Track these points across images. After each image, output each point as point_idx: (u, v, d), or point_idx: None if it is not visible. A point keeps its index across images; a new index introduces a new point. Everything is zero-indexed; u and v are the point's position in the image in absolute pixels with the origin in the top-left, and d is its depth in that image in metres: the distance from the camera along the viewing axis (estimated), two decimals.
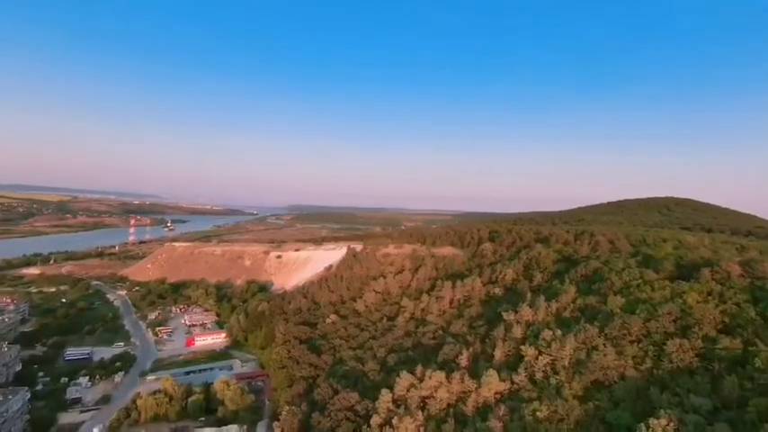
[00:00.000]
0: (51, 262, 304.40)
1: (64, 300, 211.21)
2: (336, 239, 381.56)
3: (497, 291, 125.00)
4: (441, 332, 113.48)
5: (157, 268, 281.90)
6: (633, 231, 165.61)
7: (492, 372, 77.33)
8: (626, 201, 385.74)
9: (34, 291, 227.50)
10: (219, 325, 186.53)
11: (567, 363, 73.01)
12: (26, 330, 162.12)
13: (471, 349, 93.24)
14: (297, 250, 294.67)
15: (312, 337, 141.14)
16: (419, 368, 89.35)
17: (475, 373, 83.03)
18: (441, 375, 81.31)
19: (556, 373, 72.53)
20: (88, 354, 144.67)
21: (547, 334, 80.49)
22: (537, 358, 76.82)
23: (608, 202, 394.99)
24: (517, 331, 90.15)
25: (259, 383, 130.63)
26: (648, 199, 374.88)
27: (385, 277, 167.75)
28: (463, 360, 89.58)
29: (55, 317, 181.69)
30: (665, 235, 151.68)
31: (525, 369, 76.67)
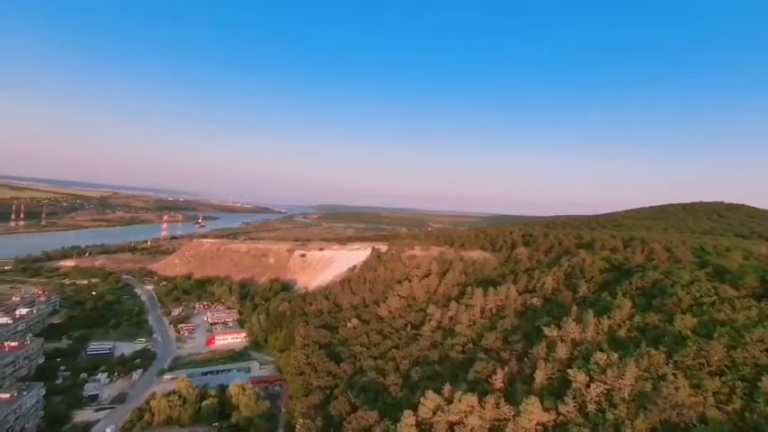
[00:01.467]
0: (86, 255, 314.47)
1: (94, 292, 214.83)
2: (361, 239, 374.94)
3: (535, 301, 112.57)
4: (471, 345, 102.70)
5: (184, 264, 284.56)
6: (688, 238, 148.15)
7: (533, 398, 66.32)
8: (669, 205, 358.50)
9: (68, 282, 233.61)
10: (241, 323, 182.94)
11: (627, 395, 61.04)
12: (54, 322, 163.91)
13: (507, 368, 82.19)
14: (321, 249, 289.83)
15: (332, 342, 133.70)
16: (447, 387, 79.39)
17: (512, 398, 72.20)
18: (472, 399, 71.01)
19: (613, 406, 60.64)
20: (110, 349, 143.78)
21: (600, 357, 68.54)
22: (588, 386, 65.15)
23: (649, 207, 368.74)
24: (562, 351, 78.40)
25: (276, 388, 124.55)
26: (695, 204, 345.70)
27: (410, 281, 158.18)
28: (498, 380, 78.84)
29: (83, 309, 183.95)
30: (726, 243, 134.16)
31: (574, 398, 65.16)
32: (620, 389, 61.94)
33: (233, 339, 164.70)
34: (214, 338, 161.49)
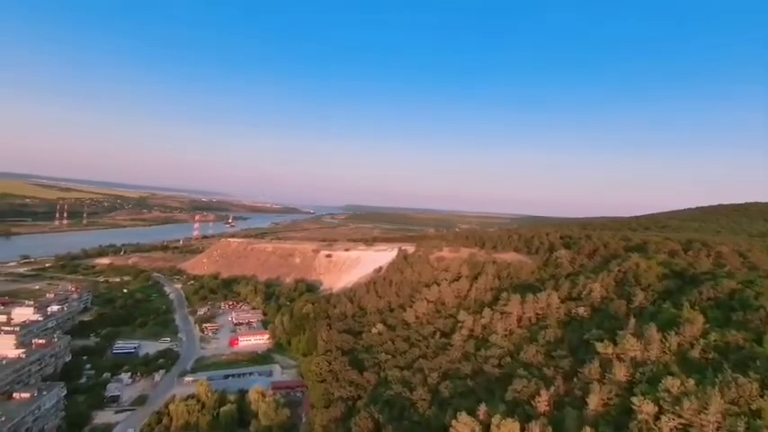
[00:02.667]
0: (121, 253, 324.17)
1: (125, 290, 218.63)
2: (388, 240, 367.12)
3: (582, 310, 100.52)
4: (508, 359, 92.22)
5: (212, 263, 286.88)
6: (756, 242, 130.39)
7: (588, 430, 56.04)
8: (720, 206, 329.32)
9: (101, 280, 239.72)
10: (265, 324, 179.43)
11: None
12: (85, 320, 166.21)
13: (553, 389, 71.68)
14: (347, 250, 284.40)
15: (355, 348, 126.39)
16: (482, 407, 69.86)
17: (560, 426, 62.04)
18: (514, 425, 61.30)
19: None
20: (135, 348, 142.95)
21: (671, 383, 57.01)
22: (658, 418, 54.09)
23: (696, 207, 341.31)
24: (620, 371, 66.96)
25: (298, 394, 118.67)
26: (748, 204, 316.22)
27: (439, 284, 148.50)
28: (542, 403, 68.46)
29: (113, 307, 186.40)
30: None
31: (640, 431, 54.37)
32: (703, 426, 50.44)
33: (256, 341, 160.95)
34: (237, 339, 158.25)
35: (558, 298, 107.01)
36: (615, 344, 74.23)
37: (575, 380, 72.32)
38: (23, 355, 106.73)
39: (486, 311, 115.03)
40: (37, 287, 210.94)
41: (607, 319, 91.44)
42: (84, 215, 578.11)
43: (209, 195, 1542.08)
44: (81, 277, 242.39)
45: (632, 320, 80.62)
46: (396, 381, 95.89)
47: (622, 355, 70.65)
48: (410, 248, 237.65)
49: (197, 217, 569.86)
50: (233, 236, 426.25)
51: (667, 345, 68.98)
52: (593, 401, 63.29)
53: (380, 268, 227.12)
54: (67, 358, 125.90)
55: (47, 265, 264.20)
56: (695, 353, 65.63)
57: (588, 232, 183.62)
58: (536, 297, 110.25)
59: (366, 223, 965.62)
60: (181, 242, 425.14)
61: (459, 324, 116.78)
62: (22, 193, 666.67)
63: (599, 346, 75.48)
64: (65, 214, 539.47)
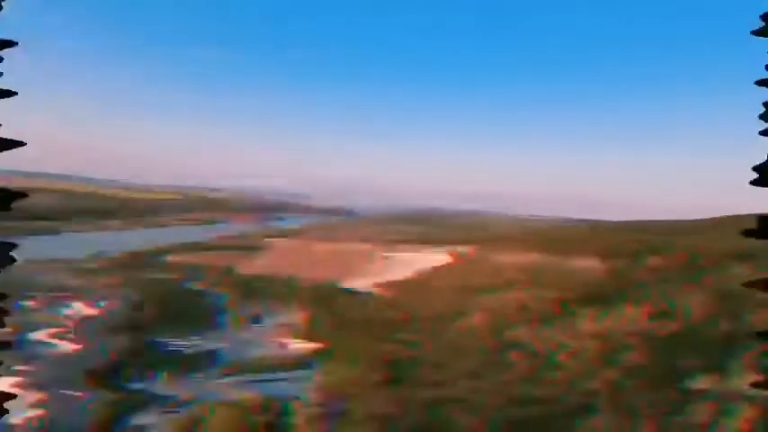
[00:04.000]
0: (192, 250, 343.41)
1: (181, 288, 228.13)
2: (439, 242, 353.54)
3: (673, 329, 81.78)
4: (581, 385, 76.60)
5: (268, 261, 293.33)
6: None
7: None
8: None
9: (165, 277, 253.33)
10: (309, 328, 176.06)
11: None
12: (137, 316, 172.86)
13: (645, 430, 56.03)
14: (398, 251, 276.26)
15: (396, 359, 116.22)
16: None
17: None
18: None
19: None
20: (181, 346, 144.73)
21: None
22: None
23: None
24: (745, 414, 50.02)
25: (341, 407, 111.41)
26: None
27: (497, 292, 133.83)
28: None
29: (166, 305, 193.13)
30: None
31: None
32: None
33: (300, 345, 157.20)
34: (281, 342, 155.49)
35: (646, 314, 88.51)
36: (721, 375, 56.56)
37: (675, 418, 55.97)
38: None
39: (553, 325, 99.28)
40: None
41: (708, 346, 72.47)
42: (169, 214, 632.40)
43: (276, 195, 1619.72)
44: (149, 275, 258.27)
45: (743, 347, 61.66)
46: (436, 402, 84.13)
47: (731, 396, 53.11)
48: (464, 250, 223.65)
49: (257, 215, 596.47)
50: (288, 234, 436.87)
51: None
52: None
53: (429, 272, 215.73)
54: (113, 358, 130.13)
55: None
56: None
57: (676, 237, 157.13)
58: (614, 311, 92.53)
59: (417, 226, 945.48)
60: (243, 239, 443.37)
61: (517, 340, 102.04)
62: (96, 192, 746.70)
63: (700, 381, 58.15)
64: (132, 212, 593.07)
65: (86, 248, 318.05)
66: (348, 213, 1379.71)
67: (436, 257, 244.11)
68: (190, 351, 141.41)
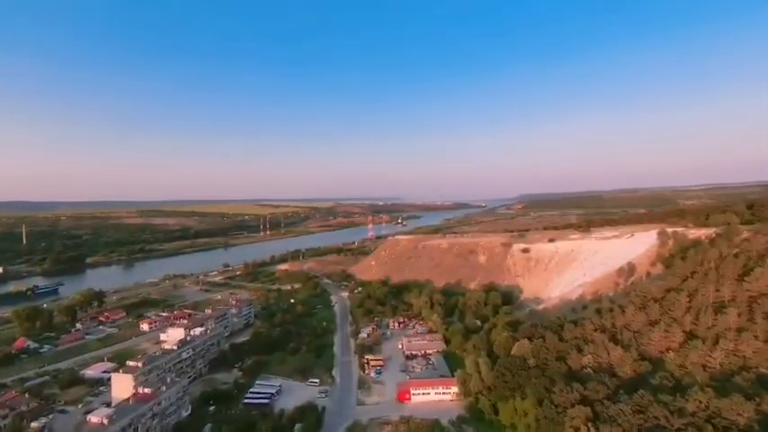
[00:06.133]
0: (300, 258, 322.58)
1: (292, 300, 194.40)
2: (611, 223, 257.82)
3: None
4: None
5: (380, 265, 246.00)
6: None
7: None
8: None
9: (274, 288, 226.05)
10: (449, 360, 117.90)
11: None
12: (237, 342, 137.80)
13: None
14: (551, 241, 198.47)
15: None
16: None
17: None
18: None
19: None
20: (272, 395, 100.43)
21: None
22: None
23: None
24: None
25: None
26: None
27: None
28: None
29: (272, 324, 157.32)
30: None
31: None
32: None
33: (438, 395, 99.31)
34: (409, 391, 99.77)
35: None
36: None
37: None
38: (106, 421, 71.84)
39: None
40: (218, 297, 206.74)
41: None
42: (282, 225, 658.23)
43: (385, 200, 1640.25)
44: (259, 285, 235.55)
45: None
46: None
47: None
48: (679, 230, 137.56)
49: (370, 218, 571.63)
50: (402, 233, 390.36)
51: None
52: None
53: (623, 268, 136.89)
54: (185, 412, 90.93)
55: (237, 273, 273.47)
56: None
57: None
58: None
59: (549, 211, 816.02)
60: (356, 244, 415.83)
61: None
62: (243, 212, 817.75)
63: None
64: (266, 225, 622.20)
65: (228, 259, 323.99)
66: (475, 207, 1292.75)
67: (633, 243, 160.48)
68: (283, 403, 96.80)
